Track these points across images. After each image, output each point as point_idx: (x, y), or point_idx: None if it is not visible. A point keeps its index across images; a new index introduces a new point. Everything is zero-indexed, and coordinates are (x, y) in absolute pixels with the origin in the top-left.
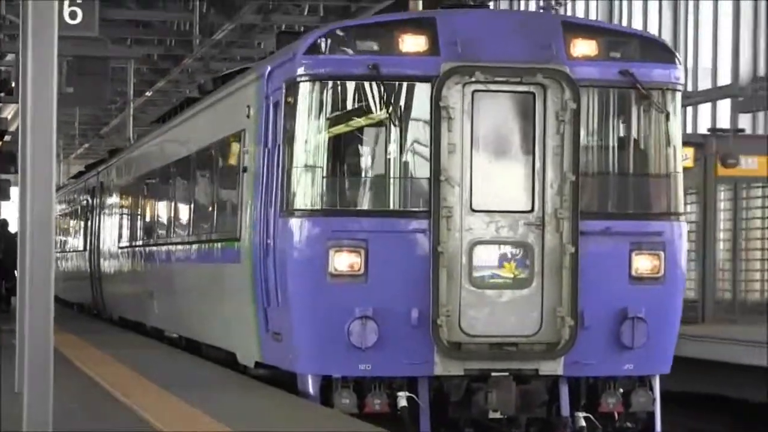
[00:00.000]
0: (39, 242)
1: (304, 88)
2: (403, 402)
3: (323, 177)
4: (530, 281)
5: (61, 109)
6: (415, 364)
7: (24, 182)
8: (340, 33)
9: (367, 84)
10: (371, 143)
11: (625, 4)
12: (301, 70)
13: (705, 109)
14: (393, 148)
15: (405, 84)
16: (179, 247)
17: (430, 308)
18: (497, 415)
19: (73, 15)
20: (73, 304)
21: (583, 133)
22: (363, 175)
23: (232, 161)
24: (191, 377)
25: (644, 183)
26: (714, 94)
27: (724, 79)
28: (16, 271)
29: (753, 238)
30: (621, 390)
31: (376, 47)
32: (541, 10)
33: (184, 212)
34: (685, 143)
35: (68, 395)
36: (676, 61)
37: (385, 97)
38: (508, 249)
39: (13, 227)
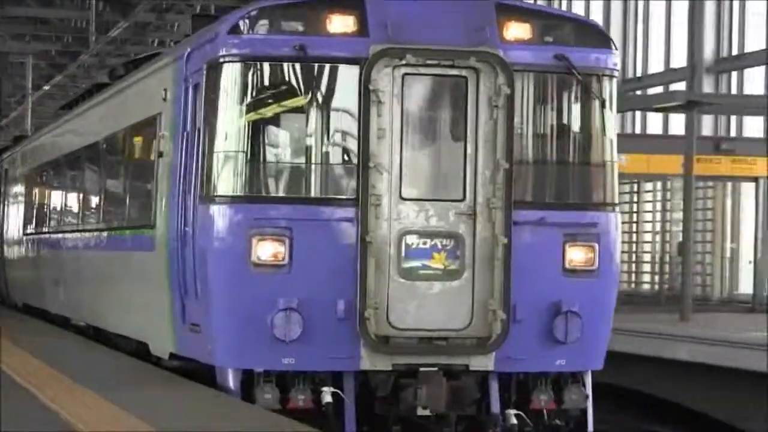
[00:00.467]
0: None
1: (227, 69)
2: (327, 398)
3: (246, 162)
4: (461, 273)
5: None
6: (340, 358)
7: None
8: (265, 12)
9: (292, 66)
10: (297, 127)
11: None
12: (223, 51)
13: None
14: (319, 132)
15: (332, 66)
16: (88, 234)
17: (357, 300)
18: (426, 413)
19: None
20: None
21: (516, 119)
22: (288, 160)
23: (146, 146)
24: (107, 370)
25: (579, 172)
26: None
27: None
28: None
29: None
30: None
31: (302, 27)
32: None
33: (94, 199)
34: None
35: None
36: (612, 46)
37: (311, 80)
38: (438, 239)
39: None
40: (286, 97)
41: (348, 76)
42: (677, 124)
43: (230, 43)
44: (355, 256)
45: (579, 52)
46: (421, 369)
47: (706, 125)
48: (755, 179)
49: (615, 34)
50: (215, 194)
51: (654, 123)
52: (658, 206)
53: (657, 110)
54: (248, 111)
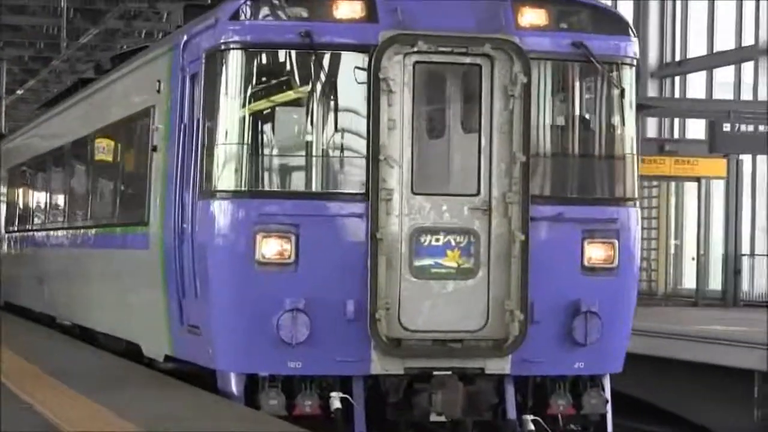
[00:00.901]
0: None
1: (228, 57)
2: (336, 403)
3: (248, 155)
4: (476, 271)
5: None
6: (350, 361)
7: None
8: None
9: (297, 53)
10: (303, 118)
11: None
12: (224, 38)
13: None
14: (326, 124)
15: (339, 54)
16: (75, 231)
17: (368, 300)
18: (440, 419)
19: None
20: None
21: (533, 110)
22: (293, 153)
23: (138, 141)
24: (98, 372)
25: (598, 165)
26: None
27: None
28: None
29: None
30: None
31: (307, 13)
32: None
33: (82, 195)
34: None
35: None
36: (631, 33)
37: (317, 68)
38: (452, 236)
39: None
40: (291, 86)
41: (356, 65)
42: None
43: (231, 29)
44: (365, 253)
45: (597, 39)
46: (435, 373)
47: (651, 127)
48: (698, 179)
49: None
50: (216, 189)
51: None
52: None
53: None
54: (251, 101)
